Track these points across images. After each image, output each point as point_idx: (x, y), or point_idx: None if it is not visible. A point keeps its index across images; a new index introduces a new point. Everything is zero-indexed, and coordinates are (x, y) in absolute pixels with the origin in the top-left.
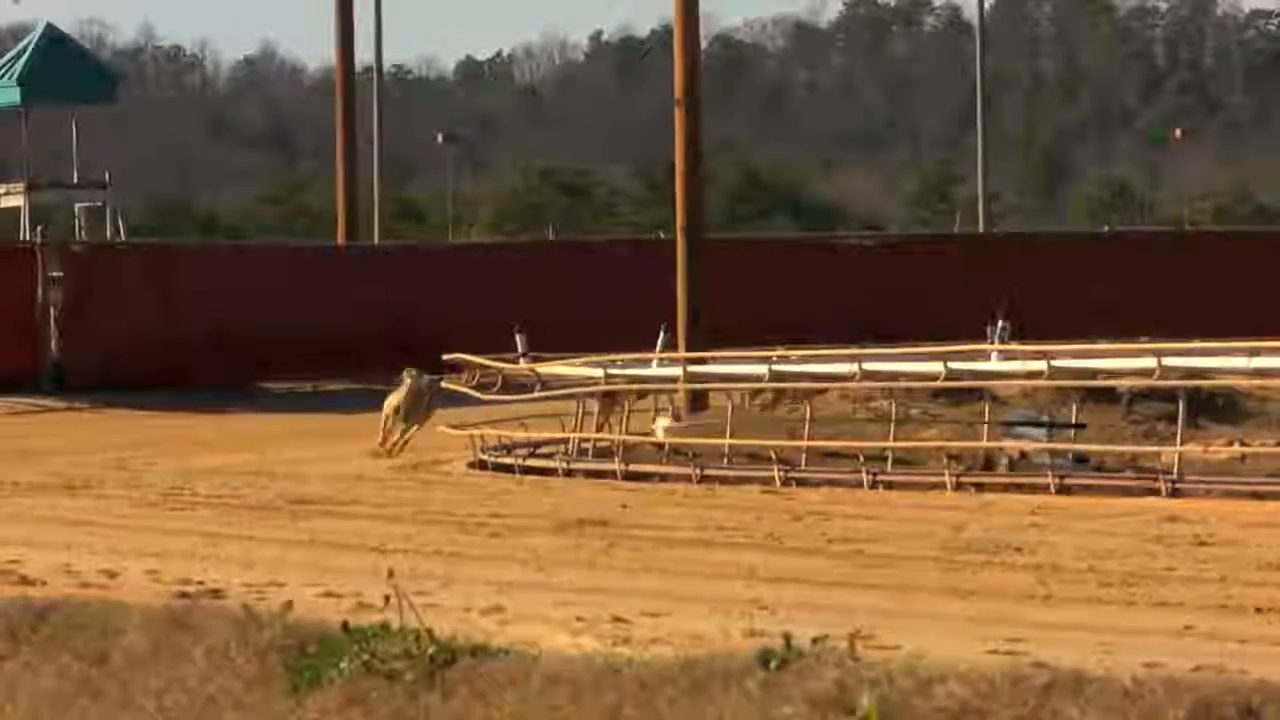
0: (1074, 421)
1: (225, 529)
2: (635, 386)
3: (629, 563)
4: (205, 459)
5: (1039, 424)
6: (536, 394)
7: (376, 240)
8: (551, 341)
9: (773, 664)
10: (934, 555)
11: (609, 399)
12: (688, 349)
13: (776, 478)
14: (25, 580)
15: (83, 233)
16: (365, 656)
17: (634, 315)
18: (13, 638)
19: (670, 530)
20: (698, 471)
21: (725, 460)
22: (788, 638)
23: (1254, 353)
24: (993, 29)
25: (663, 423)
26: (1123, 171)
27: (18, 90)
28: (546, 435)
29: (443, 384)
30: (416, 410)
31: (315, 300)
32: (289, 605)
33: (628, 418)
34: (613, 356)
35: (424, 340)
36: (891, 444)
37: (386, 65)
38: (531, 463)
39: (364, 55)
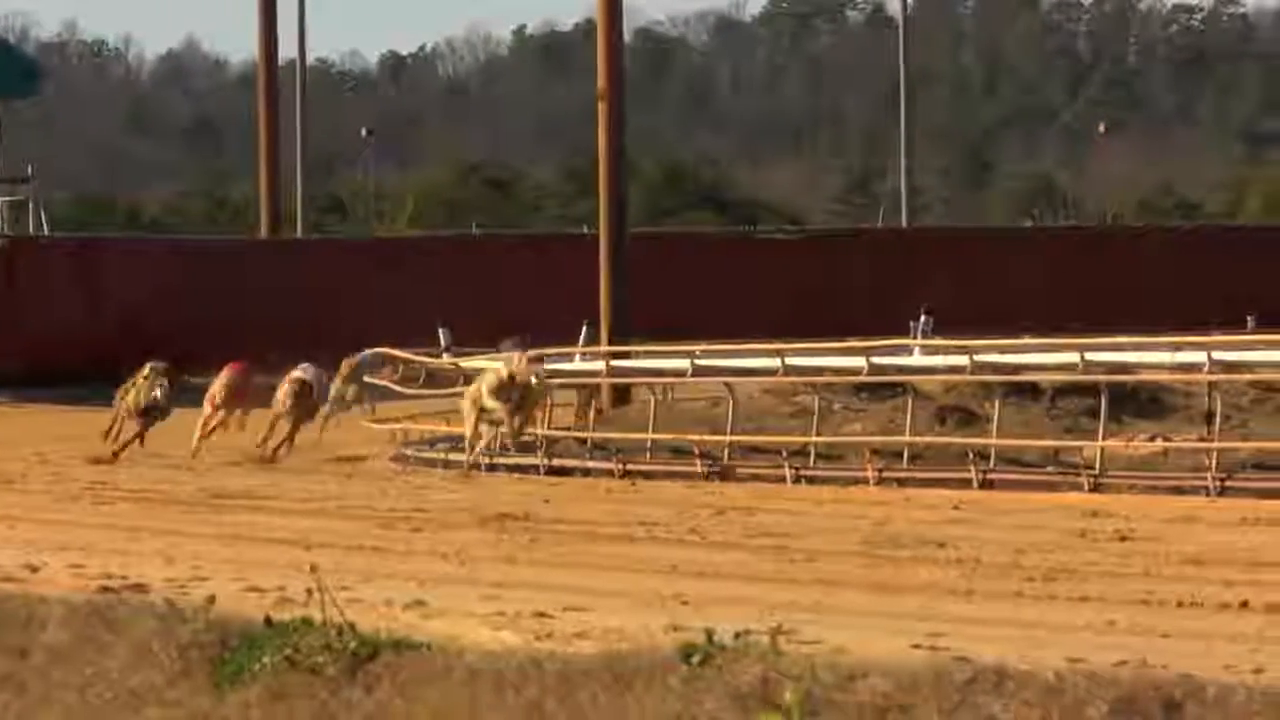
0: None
1: (148, 523)
2: (559, 381)
3: (551, 557)
4: (128, 453)
5: None
6: (460, 388)
7: (300, 234)
8: (475, 336)
9: (695, 659)
10: (856, 550)
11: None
12: (613, 341)
13: (700, 472)
14: None
15: (5, 227)
16: (288, 651)
17: (558, 310)
18: None
19: (593, 525)
20: (620, 466)
21: (648, 455)
22: (710, 632)
23: (1177, 347)
24: (916, 23)
25: None
26: (1046, 166)
27: None
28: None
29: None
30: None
31: (239, 294)
32: (211, 600)
33: (550, 412)
34: (536, 351)
35: (348, 334)
36: (814, 439)
37: (309, 59)
38: (454, 457)
39: (287, 49)
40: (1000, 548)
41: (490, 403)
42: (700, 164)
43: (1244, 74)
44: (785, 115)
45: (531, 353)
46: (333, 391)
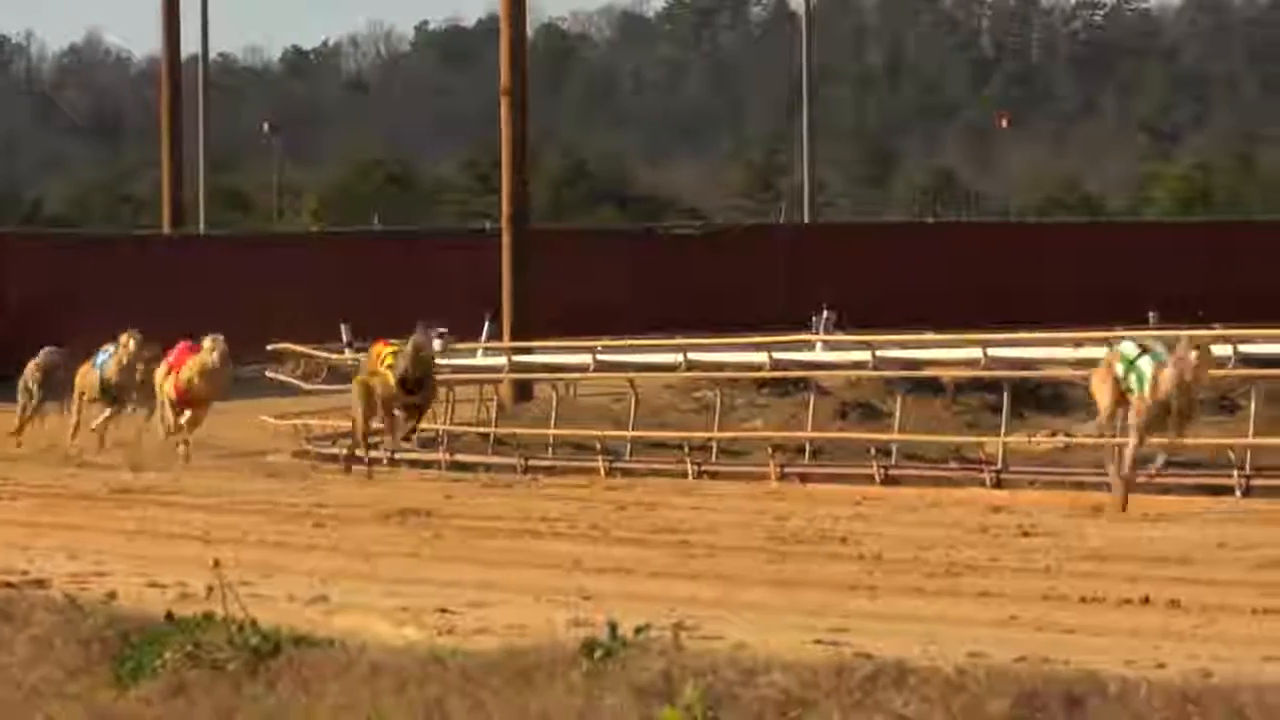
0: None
1: (49, 519)
2: (461, 376)
3: (453, 553)
4: (28, 449)
5: None
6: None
7: (202, 229)
8: (377, 332)
9: (597, 654)
10: (758, 545)
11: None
12: (514, 337)
13: (601, 468)
14: None
15: None
16: (189, 647)
17: (460, 304)
18: None
19: (495, 520)
20: (522, 461)
21: (550, 450)
22: (613, 627)
23: (1078, 343)
24: (819, 20)
25: None
26: (949, 162)
27: None
28: (371, 425)
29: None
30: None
31: (141, 289)
32: (113, 595)
33: (452, 407)
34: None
35: (248, 329)
36: (716, 434)
37: (212, 54)
38: (357, 452)
39: (191, 45)
40: (902, 543)
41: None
42: (602, 160)
43: (1147, 70)
44: (688, 111)
45: None
46: None
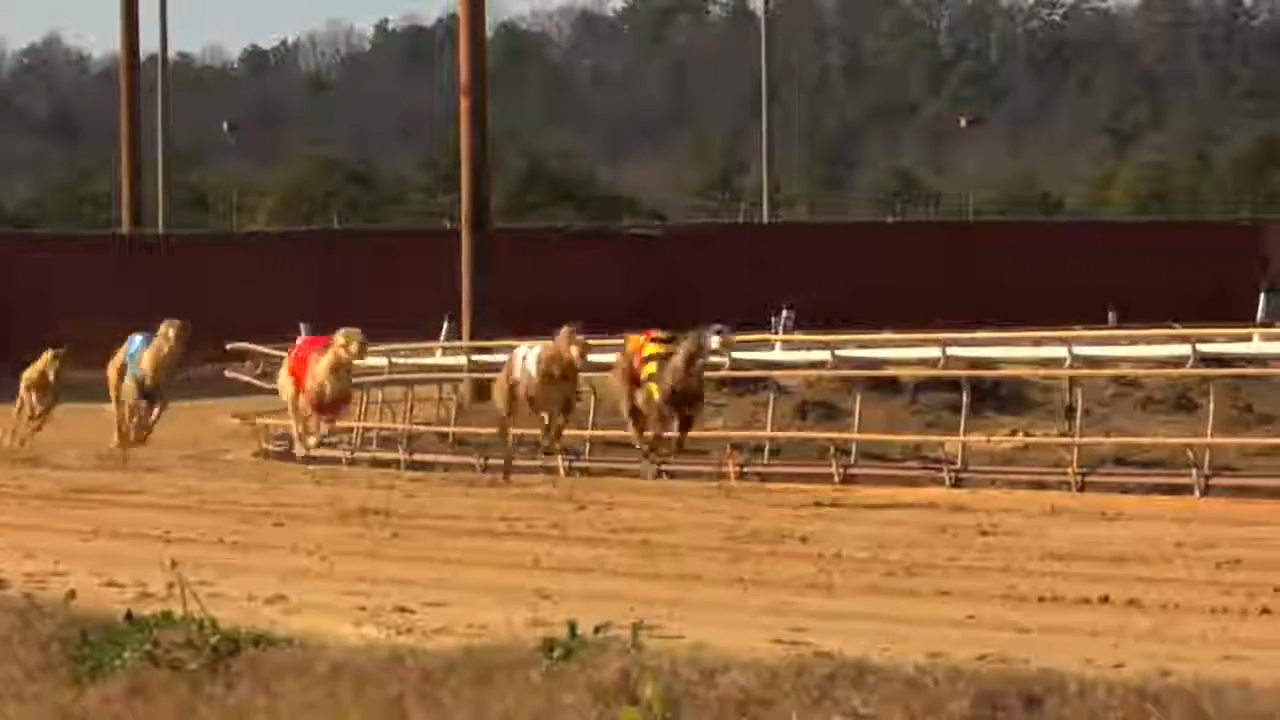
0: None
1: (7, 518)
2: (419, 376)
3: (413, 552)
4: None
5: None
6: None
7: (161, 229)
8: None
9: (556, 653)
10: (718, 545)
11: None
12: (474, 336)
13: (561, 467)
14: None
15: None
16: (148, 646)
17: (420, 304)
18: None
19: (454, 520)
20: (481, 461)
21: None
22: (572, 627)
23: (1038, 342)
24: (778, 19)
25: None
26: (908, 162)
27: None
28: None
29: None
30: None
31: (101, 289)
32: (72, 594)
33: (411, 406)
34: (396, 345)
35: (207, 329)
36: (675, 434)
37: (171, 54)
38: (316, 452)
39: (150, 44)
40: (862, 543)
41: None
42: (562, 159)
43: (1105, 68)
44: (647, 111)
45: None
46: None
